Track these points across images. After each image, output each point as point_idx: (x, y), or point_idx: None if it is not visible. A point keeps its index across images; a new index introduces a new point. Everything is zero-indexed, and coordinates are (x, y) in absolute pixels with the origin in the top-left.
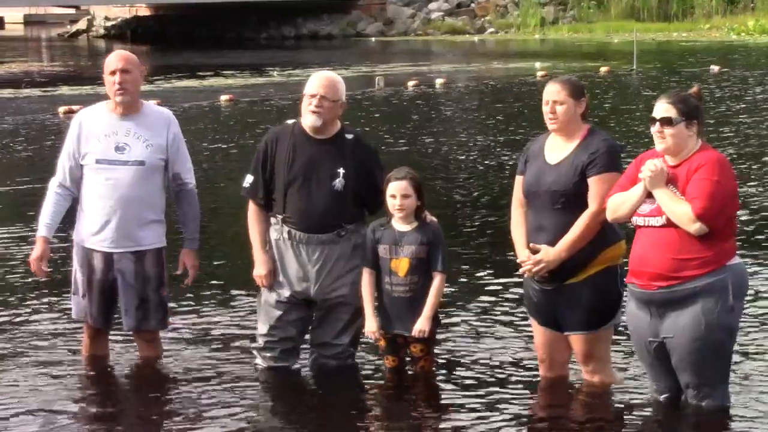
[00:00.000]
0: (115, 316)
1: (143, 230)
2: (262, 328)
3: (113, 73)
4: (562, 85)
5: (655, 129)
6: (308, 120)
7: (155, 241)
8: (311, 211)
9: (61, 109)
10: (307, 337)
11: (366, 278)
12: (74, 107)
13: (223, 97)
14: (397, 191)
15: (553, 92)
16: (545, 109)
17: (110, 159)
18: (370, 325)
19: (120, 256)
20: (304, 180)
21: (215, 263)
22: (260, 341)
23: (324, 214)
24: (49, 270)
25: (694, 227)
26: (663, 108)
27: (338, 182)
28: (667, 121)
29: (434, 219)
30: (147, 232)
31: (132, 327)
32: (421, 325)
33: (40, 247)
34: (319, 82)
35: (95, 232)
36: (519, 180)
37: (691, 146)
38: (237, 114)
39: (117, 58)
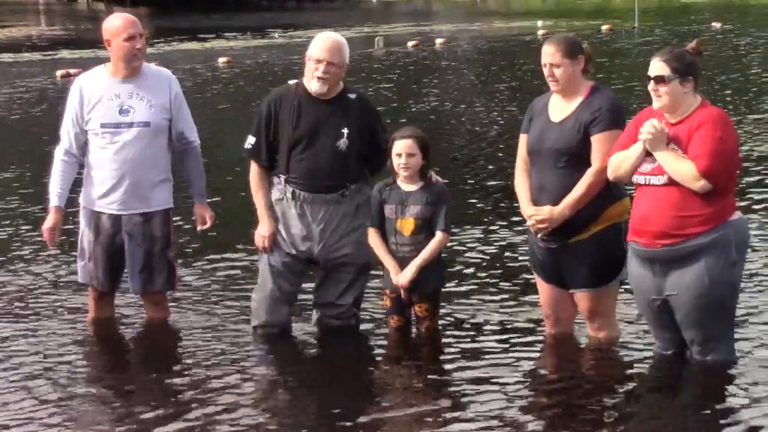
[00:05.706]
0: (123, 279)
1: (152, 191)
2: (265, 282)
3: (131, 38)
4: (557, 46)
5: (650, 87)
6: (314, 86)
7: (163, 202)
8: (316, 171)
9: (59, 73)
10: (310, 296)
11: (374, 237)
12: (71, 71)
13: (221, 60)
14: (402, 150)
15: (548, 55)
16: (545, 71)
17: (115, 122)
18: (401, 277)
19: (129, 218)
20: (309, 140)
21: (218, 223)
22: (261, 294)
23: (329, 174)
24: (60, 239)
25: (699, 185)
26: (656, 66)
27: (342, 142)
28: (660, 79)
29: (440, 179)
30: (156, 193)
31: (137, 289)
32: (404, 278)
33: (53, 217)
34: (325, 45)
35: (103, 194)
36: (523, 138)
37: (689, 103)
38: (235, 75)
39: (131, 23)
